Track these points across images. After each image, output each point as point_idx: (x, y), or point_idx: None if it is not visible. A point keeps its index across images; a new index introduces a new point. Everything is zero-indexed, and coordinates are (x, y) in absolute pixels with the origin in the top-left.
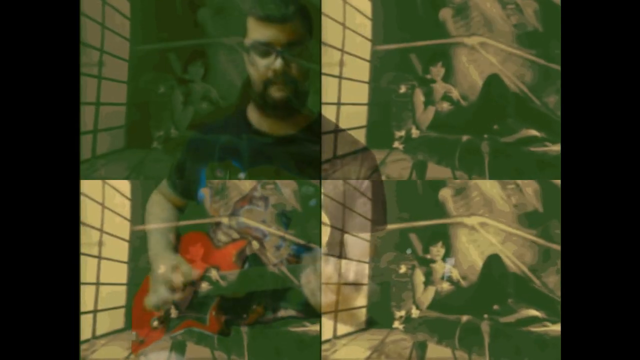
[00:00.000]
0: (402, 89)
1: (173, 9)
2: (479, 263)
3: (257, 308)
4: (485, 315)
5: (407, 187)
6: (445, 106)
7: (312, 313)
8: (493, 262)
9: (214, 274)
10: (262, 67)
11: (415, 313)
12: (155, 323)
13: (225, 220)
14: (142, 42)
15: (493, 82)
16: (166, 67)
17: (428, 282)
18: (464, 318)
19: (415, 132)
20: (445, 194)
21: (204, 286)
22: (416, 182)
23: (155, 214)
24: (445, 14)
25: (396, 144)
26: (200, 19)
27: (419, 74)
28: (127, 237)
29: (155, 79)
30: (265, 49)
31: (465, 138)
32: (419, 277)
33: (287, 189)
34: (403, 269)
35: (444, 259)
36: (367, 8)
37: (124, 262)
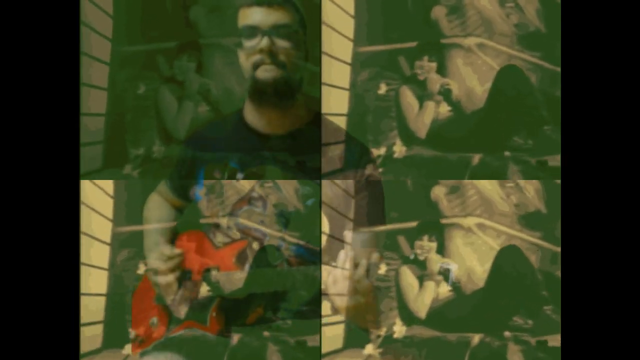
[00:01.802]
0: (382, 89)
1: (162, 6)
2: (477, 268)
3: (257, 309)
4: (507, 333)
5: (396, 184)
6: (443, 111)
7: (313, 314)
8: (508, 255)
9: (214, 274)
10: (249, 48)
11: (399, 331)
12: (155, 322)
13: (224, 222)
14: (126, 43)
15: (508, 75)
16: (152, 67)
17: (423, 282)
18: (476, 338)
19: (400, 150)
20: (439, 192)
21: (203, 291)
22: (406, 182)
23: (153, 214)
24: (438, 12)
25: (369, 169)
26: (193, 18)
27: (405, 73)
28: (108, 239)
29: (134, 77)
30: (252, 31)
31: (477, 158)
32: (408, 277)
33: (288, 188)
34: (383, 269)
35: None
36: (350, 4)
37: (104, 269)
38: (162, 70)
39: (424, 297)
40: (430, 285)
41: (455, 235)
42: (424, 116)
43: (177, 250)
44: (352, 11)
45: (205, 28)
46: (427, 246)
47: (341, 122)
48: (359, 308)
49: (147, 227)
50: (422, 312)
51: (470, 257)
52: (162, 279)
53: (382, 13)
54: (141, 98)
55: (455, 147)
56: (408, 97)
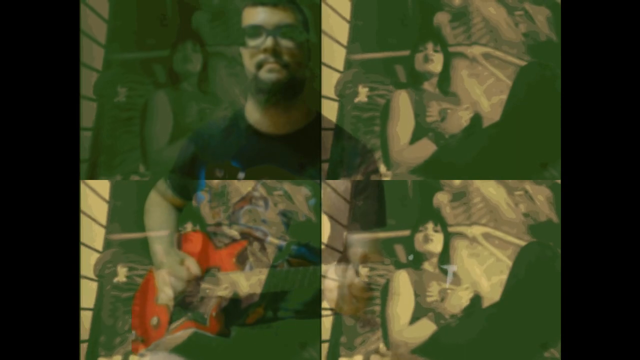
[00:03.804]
0: (361, 95)
1: (161, 10)
2: (484, 283)
3: (257, 309)
4: None
5: (394, 190)
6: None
7: (313, 313)
8: (535, 256)
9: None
10: (253, 47)
11: None
12: (155, 322)
13: (227, 230)
14: (119, 50)
15: (532, 75)
16: (145, 73)
17: (420, 311)
18: None
19: (384, 177)
20: (442, 199)
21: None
22: (406, 183)
23: (154, 214)
24: (441, 18)
25: (370, 170)
26: (195, 24)
27: (400, 79)
28: (100, 247)
29: (116, 80)
30: (256, 30)
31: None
32: (403, 282)
33: (298, 196)
34: (364, 273)
35: (442, 263)
36: (346, 8)
37: (94, 280)
38: (158, 76)
39: (414, 332)
40: (426, 325)
41: (459, 246)
42: (415, 151)
43: (195, 270)
44: (347, 16)
45: (208, 35)
46: (432, 235)
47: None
48: (354, 305)
49: (152, 234)
50: (404, 347)
51: (476, 270)
52: (183, 287)
53: (380, 18)
54: (122, 107)
55: (460, 174)
56: (399, 109)
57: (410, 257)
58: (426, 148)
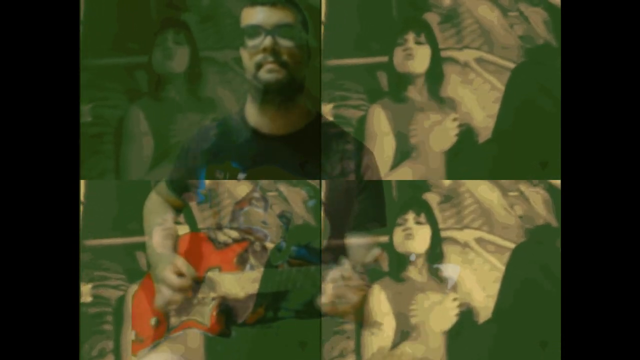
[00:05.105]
0: (325, 115)
1: (145, 11)
2: (478, 295)
3: (258, 309)
4: None
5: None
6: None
7: (313, 313)
8: (531, 258)
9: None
10: (252, 47)
11: None
12: (154, 322)
13: (226, 231)
14: (97, 55)
15: (522, 74)
16: (122, 81)
17: (402, 336)
18: None
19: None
20: (431, 201)
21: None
22: (390, 183)
23: (153, 214)
24: (430, 19)
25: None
26: None
27: (382, 87)
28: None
29: (87, 88)
30: (255, 30)
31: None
32: (382, 305)
33: (295, 198)
34: (330, 294)
35: (433, 262)
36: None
37: None
38: (139, 83)
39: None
40: (407, 351)
41: (449, 252)
42: (397, 177)
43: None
44: (322, 15)
45: (198, 40)
46: (414, 229)
47: None
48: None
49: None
50: None
51: (469, 279)
52: (175, 295)
53: (360, 19)
54: (89, 123)
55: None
56: (381, 121)
57: (412, 258)
58: (409, 174)
